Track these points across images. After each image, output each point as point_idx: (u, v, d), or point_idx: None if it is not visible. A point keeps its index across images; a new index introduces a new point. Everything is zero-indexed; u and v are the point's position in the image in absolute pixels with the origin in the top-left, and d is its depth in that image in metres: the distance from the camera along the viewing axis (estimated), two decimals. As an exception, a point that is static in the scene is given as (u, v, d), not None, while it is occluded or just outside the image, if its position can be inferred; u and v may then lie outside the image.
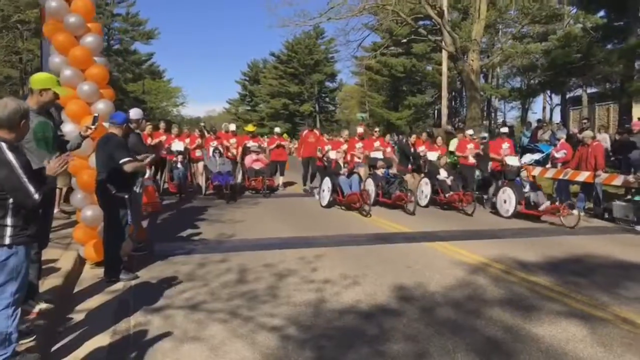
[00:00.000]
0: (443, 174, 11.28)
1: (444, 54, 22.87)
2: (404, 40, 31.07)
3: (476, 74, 19.65)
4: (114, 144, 5.32)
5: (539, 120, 21.37)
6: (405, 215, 10.17)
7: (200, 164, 13.01)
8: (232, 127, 14.41)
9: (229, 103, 69.74)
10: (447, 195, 10.77)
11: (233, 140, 13.61)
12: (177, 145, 12.50)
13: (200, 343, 3.87)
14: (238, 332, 4.08)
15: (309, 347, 3.80)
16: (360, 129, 13.72)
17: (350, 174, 10.95)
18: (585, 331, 4.18)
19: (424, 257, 6.68)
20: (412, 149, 12.70)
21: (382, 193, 11.02)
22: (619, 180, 9.76)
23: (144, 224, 8.03)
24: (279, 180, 14.35)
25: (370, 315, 4.50)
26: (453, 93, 38.87)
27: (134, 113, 6.90)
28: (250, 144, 13.90)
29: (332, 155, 11.55)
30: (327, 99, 60.77)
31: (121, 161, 5.24)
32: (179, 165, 12.25)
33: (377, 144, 12.89)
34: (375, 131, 14.05)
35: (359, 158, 12.78)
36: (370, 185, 11.30)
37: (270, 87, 58.15)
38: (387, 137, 12.75)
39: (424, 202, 11.24)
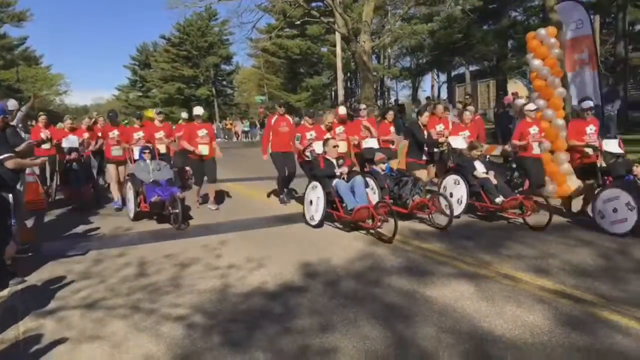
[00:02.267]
0: (480, 169, 7.70)
1: (337, 36, 23.36)
2: (298, 22, 31.14)
3: (368, 54, 20.30)
4: None
5: (427, 98, 22.67)
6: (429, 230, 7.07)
7: (121, 169, 9.15)
8: (199, 110, 9.27)
9: (118, 89, 65.74)
10: (497, 200, 7.16)
11: (203, 132, 8.90)
12: (70, 141, 9.60)
13: (101, 341, 3.71)
14: (141, 325, 3.96)
15: (215, 333, 3.79)
16: (342, 109, 9.66)
17: (350, 174, 7.44)
18: (471, 289, 4.59)
19: (327, 234, 6.88)
20: (424, 132, 8.58)
21: (388, 198, 7.47)
22: (497, 150, 10.68)
23: (29, 223, 7.41)
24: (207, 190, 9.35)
25: (276, 295, 4.57)
26: (348, 74, 39.89)
27: (9, 104, 6.31)
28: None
29: (319, 148, 7.98)
30: (224, 82, 59.35)
31: (1, 157, 4.78)
32: (75, 165, 9.43)
33: (364, 124, 9.16)
34: (362, 109, 9.69)
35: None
36: (371, 190, 7.56)
37: (162, 71, 55.49)
38: (390, 114, 9.59)
39: (457, 210, 7.42)
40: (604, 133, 9.91)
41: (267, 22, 38.11)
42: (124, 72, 75.77)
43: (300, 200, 8.26)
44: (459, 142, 8.41)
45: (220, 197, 10.09)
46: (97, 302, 4.50)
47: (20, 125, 6.98)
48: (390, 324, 3.86)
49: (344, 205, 6.93)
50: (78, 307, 4.39)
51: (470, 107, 11.80)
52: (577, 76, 9.88)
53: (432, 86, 43.07)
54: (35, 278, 5.26)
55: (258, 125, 36.39)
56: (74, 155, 9.51)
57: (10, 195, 4.98)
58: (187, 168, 10.36)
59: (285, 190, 9.42)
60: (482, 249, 5.91)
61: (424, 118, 8.61)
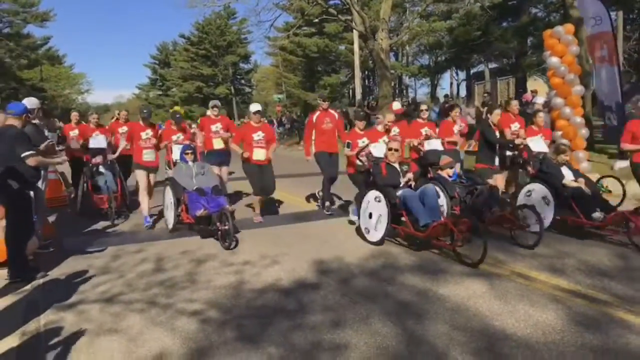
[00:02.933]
0: (569, 176, 6.60)
1: (355, 34, 23.34)
2: (316, 20, 31.20)
3: (386, 52, 20.24)
4: (14, 137, 4.99)
5: (445, 96, 22.50)
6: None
7: (152, 177, 7.76)
8: (256, 106, 7.94)
9: (138, 88, 66.74)
10: (595, 215, 5.93)
11: (259, 135, 7.62)
12: (98, 141, 8.62)
13: (118, 335, 3.81)
14: (157, 320, 4.05)
15: (229, 328, 3.86)
16: (397, 105, 8.47)
17: (420, 182, 6.62)
18: (484, 288, 4.58)
19: (341, 231, 6.92)
20: (496, 132, 7.53)
21: (459, 209, 6.36)
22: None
23: (50, 219, 7.61)
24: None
25: (290, 292, 4.63)
26: (366, 72, 39.81)
27: (30, 103, 6.46)
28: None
29: (378, 151, 6.80)
30: (242, 81, 59.75)
31: (23, 155, 4.94)
32: (102, 168, 8.49)
33: (425, 129, 7.78)
34: (423, 109, 8.12)
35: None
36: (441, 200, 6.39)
37: (182, 70, 56.08)
38: (456, 110, 8.20)
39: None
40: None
41: (285, 21, 38.37)
42: (145, 71, 76.96)
43: (344, 207, 8.07)
44: (539, 144, 7.22)
45: (238, 197, 10.18)
46: (116, 297, 4.62)
47: (41, 123, 7.16)
48: (402, 321, 3.89)
49: (413, 218, 5.79)
50: (97, 301, 4.51)
51: (497, 111, 11.71)
52: (598, 73, 9.72)
53: (451, 84, 42.71)
54: (57, 272, 5.41)
55: (275, 124, 36.55)
56: (98, 158, 8.49)
57: (32, 192, 5.13)
58: (219, 173, 7.99)
59: (331, 198, 8.37)
60: (496, 248, 5.87)
61: (495, 116, 7.56)
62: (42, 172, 6.01)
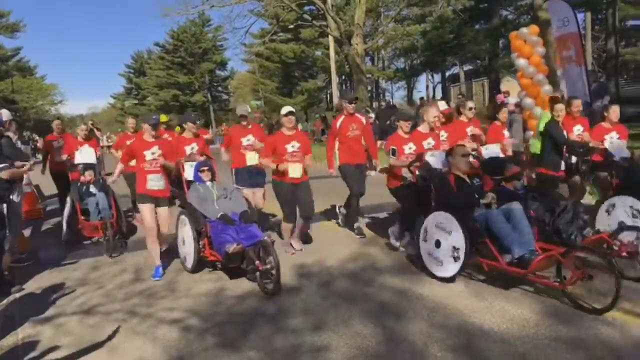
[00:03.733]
0: None
1: (331, 39, 23.50)
2: (292, 26, 31.34)
3: (361, 57, 20.46)
4: None
5: (421, 99, 22.80)
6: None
7: (163, 212, 5.61)
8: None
9: (113, 98, 65.77)
10: None
11: (294, 146, 5.97)
12: (85, 155, 7.38)
13: (97, 347, 3.78)
14: (137, 329, 4.04)
15: (210, 334, 3.86)
16: (442, 104, 7.53)
17: (503, 198, 4.86)
18: (462, 286, 4.66)
19: (321, 235, 6.96)
20: (565, 134, 6.25)
21: (537, 232, 4.70)
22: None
23: (26, 232, 7.48)
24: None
25: (270, 297, 4.65)
26: (343, 77, 40.03)
27: (2, 115, 6.37)
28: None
29: (438, 161, 5.49)
30: (219, 88, 59.42)
31: None
32: (93, 188, 7.10)
33: (470, 129, 6.53)
34: (470, 107, 6.66)
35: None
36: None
37: (157, 78, 55.56)
38: (503, 112, 6.92)
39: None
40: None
41: (260, 27, 38.35)
42: (119, 80, 75.82)
43: (383, 228, 6.44)
44: (620, 148, 5.71)
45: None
46: (94, 308, 4.58)
47: (15, 136, 7.06)
48: (382, 322, 3.94)
49: (501, 247, 4.47)
50: (75, 314, 4.47)
51: (470, 103, 11.90)
52: (566, 73, 10.00)
53: (427, 87, 43.23)
54: (33, 286, 5.33)
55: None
56: (88, 175, 7.20)
57: (5, 206, 5.05)
58: (250, 198, 6.32)
59: (358, 217, 7.04)
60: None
61: (560, 112, 6.27)
62: (18, 185, 5.92)
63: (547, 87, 9.15)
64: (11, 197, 5.51)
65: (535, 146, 6.77)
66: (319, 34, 37.11)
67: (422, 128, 6.05)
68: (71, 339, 3.92)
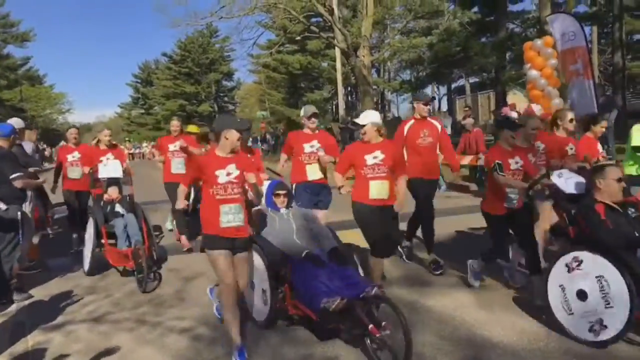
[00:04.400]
0: None
1: (337, 51, 23.64)
2: (299, 38, 31.52)
3: (368, 68, 20.53)
4: (2, 158, 5.02)
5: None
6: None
7: (241, 262, 3.86)
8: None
9: (120, 107, 66.31)
10: None
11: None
12: (111, 168, 6.48)
13: (107, 354, 3.80)
14: (146, 338, 4.06)
15: (220, 344, 3.87)
16: (538, 108, 6.69)
17: None
18: (471, 298, 4.66)
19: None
20: None
21: None
22: (466, 159, 10.66)
23: (34, 240, 7.51)
24: None
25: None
26: (349, 88, 40.20)
27: (15, 123, 6.44)
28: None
29: (567, 183, 4.25)
30: (225, 99, 59.88)
31: (12, 176, 4.95)
32: (119, 207, 6.18)
33: (570, 146, 5.38)
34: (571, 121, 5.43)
35: None
36: None
37: (164, 88, 56.07)
38: (601, 125, 5.81)
39: None
40: (602, 143, 10.04)
41: (267, 38, 38.63)
42: (126, 90, 76.52)
43: (461, 264, 5.29)
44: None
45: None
46: (104, 316, 4.60)
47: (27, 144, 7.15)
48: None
49: None
50: (85, 321, 4.49)
51: (469, 120, 11.97)
52: (574, 87, 10.02)
53: (433, 98, 43.33)
54: (43, 293, 5.36)
55: (259, 141, 36.63)
56: (113, 192, 6.24)
57: (19, 213, 5.10)
58: None
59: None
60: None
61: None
62: (29, 193, 5.98)
63: (557, 100, 9.18)
64: (24, 205, 5.55)
65: (630, 165, 5.37)
66: (325, 45, 37.40)
67: (520, 142, 4.71)
68: (81, 346, 3.95)
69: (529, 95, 10.10)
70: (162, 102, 57.50)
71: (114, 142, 7.29)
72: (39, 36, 72.17)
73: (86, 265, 5.91)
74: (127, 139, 48.33)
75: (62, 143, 8.53)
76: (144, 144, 44.71)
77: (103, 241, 5.87)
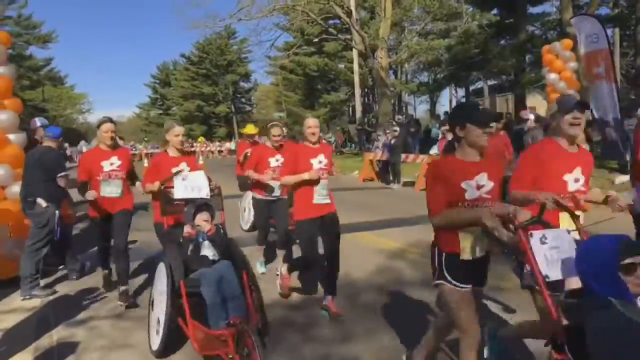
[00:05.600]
0: None
1: (355, 52, 23.69)
2: (316, 40, 31.64)
3: (385, 70, 20.54)
4: (54, 158, 5.28)
5: (445, 113, 22.72)
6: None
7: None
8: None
9: (139, 107, 67.09)
10: None
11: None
12: (194, 181, 4.30)
13: (130, 350, 3.86)
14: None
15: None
16: None
17: None
18: (490, 301, 4.64)
19: (346, 248, 6.96)
20: None
21: None
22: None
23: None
24: None
25: (299, 306, 4.69)
26: (366, 90, 40.11)
27: (41, 123, 6.59)
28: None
29: None
30: (242, 100, 60.28)
31: (59, 175, 5.19)
32: (209, 248, 3.89)
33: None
34: None
35: None
36: None
37: (182, 89, 56.66)
38: None
39: None
40: (625, 147, 9.90)
41: (285, 40, 38.83)
42: (145, 90, 77.32)
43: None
44: None
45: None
46: (126, 313, 4.67)
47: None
48: (409, 335, 3.92)
49: None
50: (108, 317, 4.56)
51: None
52: (596, 90, 9.89)
53: (450, 101, 43.01)
54: (67, 289, 5.46)
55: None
56: (202, 222, 3.94)
57: (57, 212, 5.29)
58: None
59: None
60: (503, 262, 5.93)
61: None
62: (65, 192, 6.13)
63: (576, 104, 9.10)
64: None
65: None
66: (343, 47, 37.41)
67: None
68: (105, 342, 4.01)
69: (548, 98, 9.99)
70: (180, 103, 58.09)
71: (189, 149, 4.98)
72: (61, 37, 73.48)
73: (156, 342, 3.71)
74: (145, 139, 48.84)
75: (88, 144, 7.16)
76: (162, 144, 45.09)
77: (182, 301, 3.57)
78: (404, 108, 44.52)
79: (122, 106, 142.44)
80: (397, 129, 14.68)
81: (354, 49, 23.14)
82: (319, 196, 4.39)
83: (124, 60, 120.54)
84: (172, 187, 4.23)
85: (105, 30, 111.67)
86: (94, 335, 4.17)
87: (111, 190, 4.93)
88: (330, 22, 28.24)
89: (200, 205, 4.04)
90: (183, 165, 4.53)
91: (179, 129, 4.60)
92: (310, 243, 4.39)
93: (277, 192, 5.60)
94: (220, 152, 42.48)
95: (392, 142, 13.67)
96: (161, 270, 3.89)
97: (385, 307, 4.59)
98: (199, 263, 3.82)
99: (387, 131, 14.20)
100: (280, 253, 5.82)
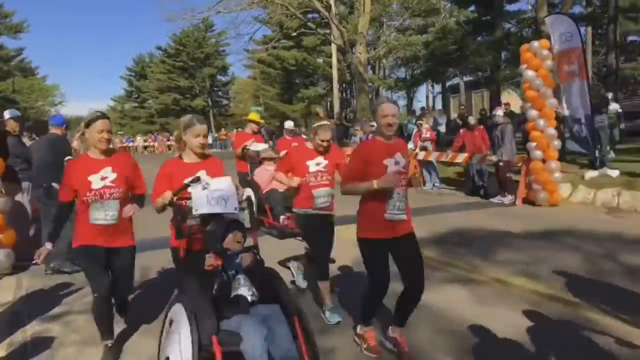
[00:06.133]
0: None
1: (333, 47, 23.67)
2: (295, 34, 31.50)
3: (364, 65, 20.60)
4: (63, 142, 5.81)
5: (422, 108, 22.94)
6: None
7: None
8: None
9: (113, 100, 65.88)
10: None
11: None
12: (222, 194, 3.05)
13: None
14: (147, 329, 4.09)
15: (218, 335, 3.91)
16: None
17: None
18: (465, 293, 4.75)
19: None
20: None
21: None
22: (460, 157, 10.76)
23: (31, 232, 7.52)
24: None
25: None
26: (344, 85, 40.19)
27: (11, 112, 6.47)
28: (258, 146, 7.46)
29: None
30: (220, 93, 59.70)
31: (66, 159, 5.39)
32: (244, 286, 2.84)
33: None
34: None
35: None
36: None
37: (158, 82, 55.82)
38: None
39: None
40: (595, 143, 10.18)
41: (263, 34, 38.54)
42: (120, 83, 76.11)
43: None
44: None
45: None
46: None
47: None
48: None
49: None
50: (83, 312, 4.50)
51: (471, 117, 12.00)
52: (568, 87, 10.12)
53: (427, 97, 43.49)
54: (41, 284, 5.38)
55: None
56: (237, 245, 3.00)
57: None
58: None
59: None
60: (475, 255, 6.07)
61: None
62: (25, 185, 6.02)
63: (552, 100, 9.29)
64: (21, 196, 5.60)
65: None
66: (322, 41, 37.37)
67: None
68: (80, 337, 3.98)
69: (524, 95, 10.20)
70: (155, 96, 57.25)
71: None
72: (33, 27, 71.59)
73: None
74: (119, 132, 48.03)
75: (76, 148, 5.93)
76: (138, 138, 44.49)
77: None
78: (381, 103, 44.70)
79: (96, 99, 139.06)
80: (374, 123, 14.74)
81: (332, 44, 23.12)
82: (392, 209, 3.46)
83: (98, 51, 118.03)
84: (189, 198, 3.09)
85: (79, 21, 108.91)
86: (69, 330, 4.13)
87: (105, 215, 3.45)
88: (309, 16, 28.11)
89: (229, 222, 3.01)
90: (203, 175, 3.28)
91: (200, 128, 3.42)
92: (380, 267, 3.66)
93: (325, 202, 4.48)
94: (197, 146, 41.96)
95: (369, 137, 13.77)
96: (180, 319, 2.68)
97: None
98: (233, 307, 2.75)
99: (365, 126, 14.27)
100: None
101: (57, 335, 4.03)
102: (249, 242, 3.20)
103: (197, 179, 3.13)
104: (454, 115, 27.46)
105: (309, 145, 4.58)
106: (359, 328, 3.78)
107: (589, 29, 26.19)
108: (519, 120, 12.38)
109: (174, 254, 3.43)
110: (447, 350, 3.58)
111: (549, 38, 10.20)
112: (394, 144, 3.54)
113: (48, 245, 3.47)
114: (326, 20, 21.42)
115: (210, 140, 41.90)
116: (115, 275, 3.63)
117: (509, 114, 13.83)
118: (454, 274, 5.32)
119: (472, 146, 10.85)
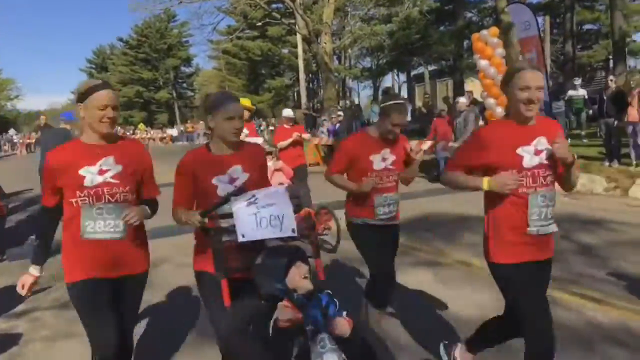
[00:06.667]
0: None
1: (299, 37, 23.62)
2: (259, 24, 31.22)
3: (329, 55, 20.63)
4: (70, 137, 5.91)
5: (387, 88, 23.16)
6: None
7: None
8: None
9: (73, 94, 63.93)
10: None
11: None
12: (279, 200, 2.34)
13: (75, 339, 3.79)
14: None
15: (187, 327, 3.94)
16: None
17: None
18: (432, 275, 4.92)
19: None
20: None
21: None
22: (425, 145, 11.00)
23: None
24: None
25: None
26: (310, 75, 40.18)
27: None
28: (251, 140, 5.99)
29: None
30: (184, 85, 58.76)
31: None
32: (329, 349, 1.91)
33: None
34: None
35: None
36: None
37: (120, 74, 54.50)
38: None
39: None
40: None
41: (227, 24, 38.05)
42: (80, 75, 73.76)
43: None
44: None
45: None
46: (70, 302, 4.55)
47: None
48: (355, 311, 4.10)
49: None
50: (51, 308, 4.46)
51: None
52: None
53: (392, 86, 43.82)
54: (3, 282, 5.25)
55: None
56: (305, 282, 2.17)
57: None
58: None
59: None
60: (440, 239, 6.25)
61: None
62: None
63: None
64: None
65: None
66: (287, 31, 37.19)
67: None
68: (47, 333, 3.94)
69: (482, 83, 10.46)
70: (118, 89, 55.78)
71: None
72: (-16, 18, 68.55)
73: None
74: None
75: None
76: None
77: None
78: (348, 93, 44.94)
79: (55, 93, 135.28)
80: (342, 113, 14.88)
81: (297, 34, 23.07)
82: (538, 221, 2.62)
83: (56, 44, 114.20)
84: (224, 215, 2.34)
85: (35, 12, 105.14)
86: (37, 326, 4.08)
87: (106, 227, 2.45)
88: (274, 6, 27.98)
89: (293, 253, 2.20)
90: (238, 172, 2.54)
91: (234, 108, 2.51)
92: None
93: (391, 212, 3.47)
94: (162, 139, 41.30)
95: (337, 126, 13.89)
96: None
97: (331, 286, 4.71)
98: None
99: (332, 116, 14.40)
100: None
101: (24, 331, 3.98)
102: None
103: (239, 192, 2.32)
104: (419, 104, 27.87)
105: (372, 131, 3.45)
106: (457, 351, 3.19)
107: (547, 17, 26.94)
108: (480, 108, 12.66)
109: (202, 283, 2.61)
110: (413, 330, 3.71)
111: (508, 27, 10.49)
112: (536, 127, 2.46)
113: (33, 271, 2.60)
114: (291, 10, 21.32)
115: (175, 132, 41.35)
116: (119, 310, 2.63)
117: (473, 102, 14.12)
118: (421, 259, 5.50)
119: (443, 134, 11.11)
